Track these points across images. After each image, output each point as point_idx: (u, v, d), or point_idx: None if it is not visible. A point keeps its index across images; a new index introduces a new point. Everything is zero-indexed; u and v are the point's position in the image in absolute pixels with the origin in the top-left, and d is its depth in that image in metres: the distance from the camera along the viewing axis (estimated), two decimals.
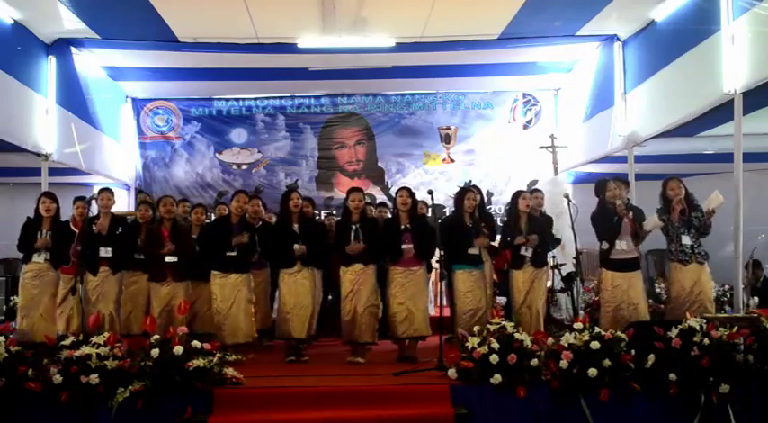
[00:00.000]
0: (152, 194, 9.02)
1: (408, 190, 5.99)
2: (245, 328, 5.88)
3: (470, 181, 9.94)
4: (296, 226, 5.93)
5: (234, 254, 5.86)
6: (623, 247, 5.79)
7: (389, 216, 6.61)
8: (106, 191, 6.03)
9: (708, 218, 5.73)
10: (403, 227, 5.87)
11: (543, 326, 5.88)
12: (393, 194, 9.84)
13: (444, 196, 8.93)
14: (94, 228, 5.81)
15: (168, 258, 5.81)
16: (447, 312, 6.30)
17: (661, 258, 8.15)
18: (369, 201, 7.57)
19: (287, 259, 5.85)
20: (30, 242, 5.74)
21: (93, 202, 6.02)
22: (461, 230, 5.98)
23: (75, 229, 5.93)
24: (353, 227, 5.84)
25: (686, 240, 5.76)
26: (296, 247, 5.82)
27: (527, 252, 5.93)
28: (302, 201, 6.07)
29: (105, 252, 5.80)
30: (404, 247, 5.79)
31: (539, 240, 5.95)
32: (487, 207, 9.68)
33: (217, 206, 7.13)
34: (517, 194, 6.14)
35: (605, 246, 5.83)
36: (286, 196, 6.04)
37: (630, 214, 5.80)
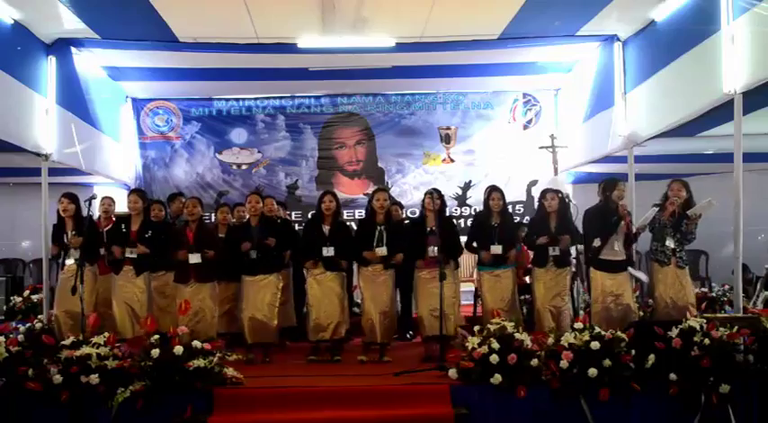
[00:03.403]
0: (152, 194, 9.04)
1: (438, 192, 6.00)
2: (268, 328, 5.87)
3: (470, 181, 10.01)
4: (326, 228, 5.94)
5: (254, 257, 5.85)
6: (616, 248, 5.81)
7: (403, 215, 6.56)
8: (135, 193, 6.14)
9: (691, 222, 5.74)
10: (429, 229, 5.87)
11: (568, 323, 5.84)
12: (393, 194, 9.97)
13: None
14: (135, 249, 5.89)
15: (192, 260, 5.79)
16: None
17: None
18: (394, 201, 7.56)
19: (314, 260, 5.87)
20: (60, 246, 5.86)
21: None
22: (487, 230, 6.00)
23: (100, 229, 6.03)
24: (378, 228, 5.84)
25: (669, 243, 5.81)
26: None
27: (555, 251, 5.92)
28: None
29: (130, 253, 5.84)
30: (429, 249, 5.79)
31: (569, 243, 5.96)
32: None
33: (219, 208, 7.10)
34: (542, 195, 6.15)
35: (597, 243, 5.83)
36: (319, 198, 6.07)
37: (630, 218, 5.83)
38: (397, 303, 6.54)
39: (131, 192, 6.14)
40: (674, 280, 5.79)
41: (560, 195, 6.21)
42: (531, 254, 6.45)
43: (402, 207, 7.55)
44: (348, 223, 7.88)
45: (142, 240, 5.89)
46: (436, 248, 5.72)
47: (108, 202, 6.45)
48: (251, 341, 5.80)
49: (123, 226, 5.96)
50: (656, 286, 5.87)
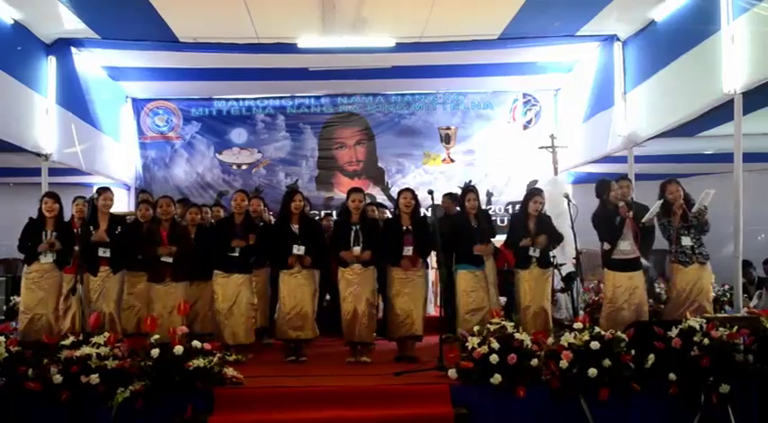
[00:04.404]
0: (153, 194, 9.02)
1: (412, 191, 6.01)
2: (245, 328, 5.89)
3: (470, 181, 9.99)
4: (295, 226, 5.94)
5: (236, 254, 5.86)
6: (626, 247, 5.81)
7: (386, 215, 6.58)
8: (106, 190, 6.04)
9: (700, 216, 5.75)
10: (404, 228, 5.88)
11: (550, 326, 5.86)
12: (393, 195, 9.97)
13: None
14: (93, 237, 5.75)
15: (164, 259, 5.81)
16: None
17: (661, 259, 8.16)
18: (369, 201, 7.59)
19: (286, 259, 5.86)
20: (33, 243, 5.73)
21: (94, 201, 6.03)
22: (466, 231, 5.99)
23: (74, 229, 5.94)
24: (353, 228, 5.84)
25: (686, 241, 5.78)
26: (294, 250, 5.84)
27: (535, 253, 5.93)
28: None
29: (104, 252, 5.80)
30: (405, 248, 5.79)
31: (546, 242, 5.97)
32: (487, 207, 9.71)
33: (187, 209, 7.05)
34: (529, 196, 6.17)
35: (607, 246, 5.85)
36: (288, 197, 6.04)
37: (631, 214, 5.82)
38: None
39: (103, 190, 6.06)
40: (697, 277, 5.77)
41: (543, 200, 6.21)
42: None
43: (380, 207, 7.55)
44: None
45: (112, 237, 5.86)
46: (410, 248, 5.78)
47: (82, 202, 6.38)
48: (228, 343, 5.69)
49: (91, 226, 5.89)
50: (673, 287, 5.86)
